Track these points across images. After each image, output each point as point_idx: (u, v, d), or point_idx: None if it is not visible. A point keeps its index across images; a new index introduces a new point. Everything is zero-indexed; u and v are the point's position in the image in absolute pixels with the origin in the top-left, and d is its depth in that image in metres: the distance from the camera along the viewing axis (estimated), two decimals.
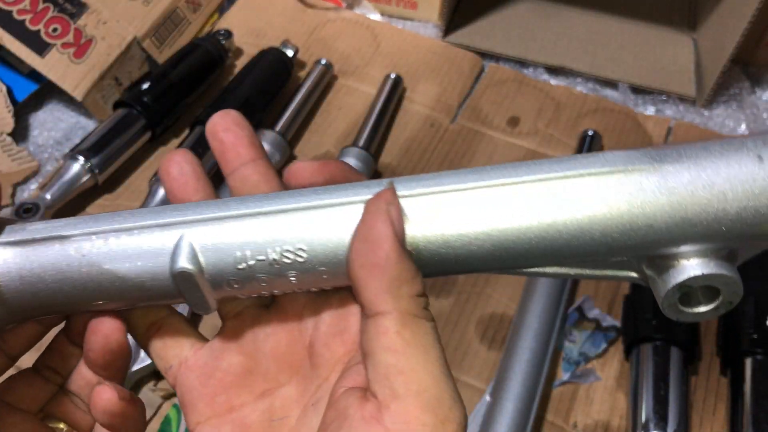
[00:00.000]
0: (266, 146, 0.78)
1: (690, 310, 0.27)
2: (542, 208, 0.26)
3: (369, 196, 0.27)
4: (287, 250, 0.27)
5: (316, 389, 0.30)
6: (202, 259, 0.27)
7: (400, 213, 0.27)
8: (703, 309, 0.27)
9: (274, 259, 0.27)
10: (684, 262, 0.26)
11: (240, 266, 0.27)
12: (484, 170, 0.28)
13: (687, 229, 0.25)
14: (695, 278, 0.25)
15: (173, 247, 0.28)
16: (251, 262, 0.27)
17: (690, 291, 0.26)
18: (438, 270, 0.28)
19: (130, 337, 0.32)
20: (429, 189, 0.27)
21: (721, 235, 0.25)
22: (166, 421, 0.62)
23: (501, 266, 0.28)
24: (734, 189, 0.24)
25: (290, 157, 0.82)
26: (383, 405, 0.25)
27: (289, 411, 0.30)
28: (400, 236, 0.26)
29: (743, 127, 0.89)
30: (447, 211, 0.27)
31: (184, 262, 0.27)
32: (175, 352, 0.33)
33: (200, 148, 0.75)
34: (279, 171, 0.33)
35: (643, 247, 0.26)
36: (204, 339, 0.34)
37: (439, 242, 0.27)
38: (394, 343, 0.25)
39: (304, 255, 0.27)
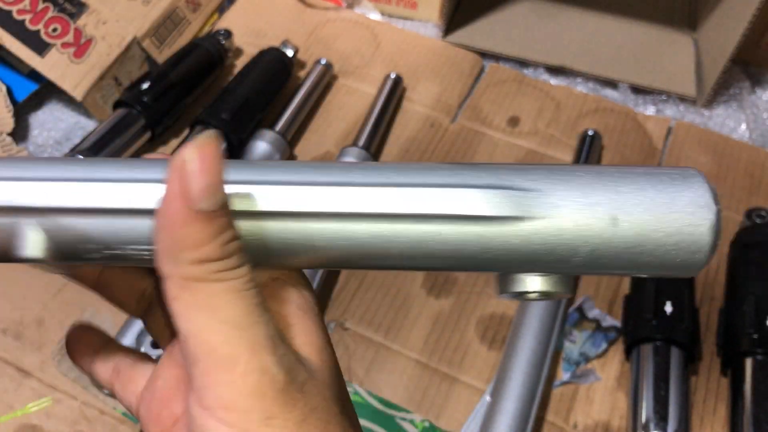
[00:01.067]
0: (266, 146, 0.78)
1: (522, 297, 0.29)
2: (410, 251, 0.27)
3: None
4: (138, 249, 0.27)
5: None
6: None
7: (209, 165, 0.24)
8: (534, 297, 0.29)
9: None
10: (525, 276, 0.28)
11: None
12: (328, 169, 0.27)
13: (535, 269, 0.28)
14: (533, 291, 0.28)
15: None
16: (106, 254, 0.27)
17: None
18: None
19: (128, 339, 0.32)
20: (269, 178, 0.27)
21: (563, 273, 0.28)
22: None
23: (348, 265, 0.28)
24: (584, 247, 0.26)
25: (290, 157, 0.82)
26: (189, 370, 0.25)
27: None
28: (197, 194, 0.23)
29: (743, 126, 0.89)
30: (291, 205, 0.26)
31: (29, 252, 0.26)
32: (132, 389, 0.32)
33: None
34: None
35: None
36: (153, 362, 0.33)
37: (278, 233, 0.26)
38: (176, 308, 0.25)
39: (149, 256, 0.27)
